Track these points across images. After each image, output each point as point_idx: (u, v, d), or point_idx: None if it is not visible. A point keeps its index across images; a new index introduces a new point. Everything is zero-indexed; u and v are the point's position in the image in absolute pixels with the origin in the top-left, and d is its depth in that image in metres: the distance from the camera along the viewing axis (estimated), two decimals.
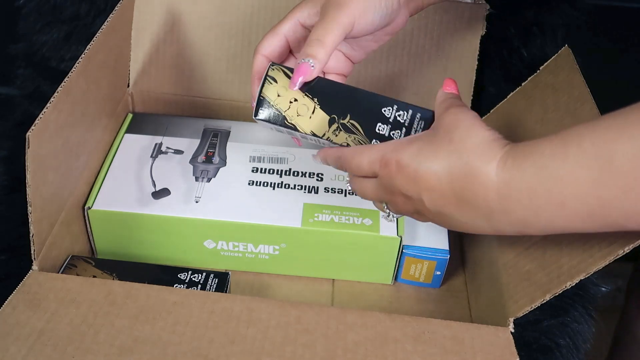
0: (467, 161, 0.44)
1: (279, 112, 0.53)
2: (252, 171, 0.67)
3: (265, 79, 0.53)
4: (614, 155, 0.38)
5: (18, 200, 0.59)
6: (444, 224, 0.48)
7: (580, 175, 0.39)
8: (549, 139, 0.41)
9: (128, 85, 0.75)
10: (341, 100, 0.53)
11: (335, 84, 0.54)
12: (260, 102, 0.53)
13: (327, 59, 0.51)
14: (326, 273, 0.66)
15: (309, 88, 0.53)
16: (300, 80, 0.52)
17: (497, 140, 0.44)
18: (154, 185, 0.65)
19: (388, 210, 0.52)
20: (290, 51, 0.57)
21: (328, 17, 0.51)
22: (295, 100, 0.53)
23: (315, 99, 0.53)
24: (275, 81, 0.53)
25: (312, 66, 0.51)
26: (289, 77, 0.53)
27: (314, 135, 0.53)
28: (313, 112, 0.53)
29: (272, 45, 0.55)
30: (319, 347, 0.48)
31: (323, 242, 0.63)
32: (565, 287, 0.48)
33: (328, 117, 0.52)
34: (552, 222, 0.41)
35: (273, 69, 0.53)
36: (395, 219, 0.56)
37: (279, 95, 0.53)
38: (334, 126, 0.53)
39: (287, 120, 0.53)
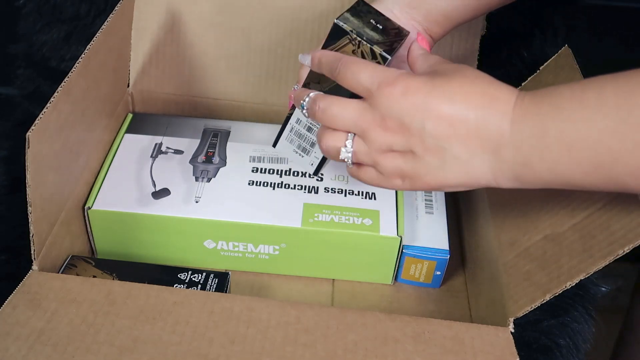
0: (486, 89, 0.43)
1: None
2: (252, 171, 0.67)
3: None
4: (634, 106, 0.37)
5: (18, 200, 0.59)
6: (434, 167, 0.44)
7: (596, 121, 0.38)
8: (570, 85, 0.41)
9: (128, 85, 0.75)
10: None
11: None
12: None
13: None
14: (326, 273, 0.66)
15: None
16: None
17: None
18: (154, 185, 0.65)
19: (350, 145, 0.47)
20: None
21: None
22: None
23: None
24: None
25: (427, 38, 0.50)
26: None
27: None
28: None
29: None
30: (319, 347, 0.48)
31: (323, 242, 0.63)
32: (565, 287, 0.48)
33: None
34: (555, 167, 0.40)
35: None
36: (347, 160, 0.48)
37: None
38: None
39: None
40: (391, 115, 0.44)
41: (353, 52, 0.49)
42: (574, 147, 0.39)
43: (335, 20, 0.49)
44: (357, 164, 0.49)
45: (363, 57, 0.49)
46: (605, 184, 0.40)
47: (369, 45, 0.49)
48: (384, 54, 0.50)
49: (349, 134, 0.47)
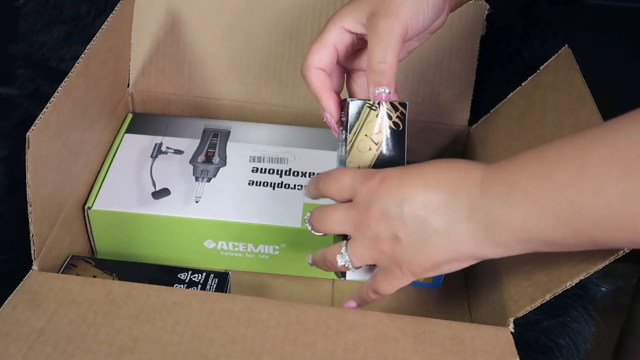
0: (456, 166, 0.46)
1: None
2: (252, 171, 0.67)
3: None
4: (587, 158, 0.39)
5: (18, 200, 0.59)
6: (420, 246, 0.45)
7: (555, 175, 0.40)
8: (533, 148, 0.43)
9: (128, 85, 0.75)
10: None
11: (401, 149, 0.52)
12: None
13: (395, 78, 0.50)
14: (326, 273, 0.66)
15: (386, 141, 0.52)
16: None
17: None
18: (154, 185, 0.65)
19: (344, 252, 0.49)
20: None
21: (382, 32, 0.49)
22: (371, 139, 0.52)
23: (379, 152, 0.52)
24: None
25: (388, 93, 0.50)
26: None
27: (343, 159, 0.52)
28: (367, 152, 0.52)
29: (323, 57, 0.53)
30: (319, 346, 0.48)
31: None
32: (565, 287, 0.48)
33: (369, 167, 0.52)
34: (525, 224, 0.42)
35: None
36: (346, 265, 0.50)
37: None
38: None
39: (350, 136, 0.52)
40: (372, 205, 0.46)
41: (377, 116, 0.51)
42: (539, 202, 0.41)
43: (348, 99, 0.51)
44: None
45: (389, 117, 0.51)
46: (578, 240, 0.41)
47: (390, 104, 0.51)
48: (403, 104, 0.51)
49: (344, 243, 0.49)
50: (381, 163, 0.51)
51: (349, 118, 0.51)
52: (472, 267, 0.66)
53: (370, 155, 0.52)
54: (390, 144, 0.52)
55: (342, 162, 0.52)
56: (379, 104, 0.51)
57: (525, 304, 0.51)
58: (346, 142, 0.51)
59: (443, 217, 0.44)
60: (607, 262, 0.45)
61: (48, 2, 0.76)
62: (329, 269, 0.52)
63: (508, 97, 0.68)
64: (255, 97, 0.76)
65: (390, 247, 0.46)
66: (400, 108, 0.51)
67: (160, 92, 0.76)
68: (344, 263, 0.49)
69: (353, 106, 0.51)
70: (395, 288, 0.49)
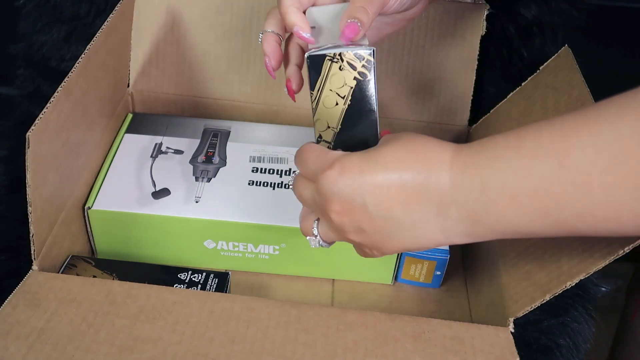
0: (419, 151, 0.42)
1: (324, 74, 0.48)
2: (252, 171, 0.67)
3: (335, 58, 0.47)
4: (570, 149, 0.37)
5: (18, 200, 0.59)
6: (387, 236, 0.44)
7: (534, 168, 0.38)
8: (505, 134, 0.40)
9: (128, 85, 0.75)
10: (358, 127, 0.49)
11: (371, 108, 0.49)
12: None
13: (368, 27, 0.47)
14: (326, 273, 0.66)
15: (353, 94, 0.48)
16: (349, 37, 0.47)
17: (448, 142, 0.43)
18: (154, 185, 0.65)
19: (317, 233, 0.48)
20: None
21: None
22: (336, 93, 0.48)
23: (346, 106, 0.48)
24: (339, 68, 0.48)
25: (360, 28, 0.46)
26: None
27: (315, 119, 0.49)
28: (333, 108, 0.48)
29: None
30: (319, 346, 0.48)
31: None
32: (565, 287, 0.48)
33: (335, 130, 0.49)
34: (502, 218, 0.40)
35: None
36: (319, 244, 0.49)
37: (337, 72, 0.47)
38: (331, 132, 0.49)
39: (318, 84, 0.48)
40: (333, 198, 0.44)
41: (340, 68, 0.47)
42: (517, 197, 0.39)
43: (307, 54, 0.47)
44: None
45: (354, 68, 0.47)
46: (557, 230, 0.39)
47: (350, 51, 0.47)
48: (367, 49, 0.47)
49: (315, 222, 0.48)
50: (350, 118, 0.48)
51: (310, 74, 0.47)
52: (472, 267, 0.66)
53: (337, 111, 0.48)
54: (357, 96, 0.47)
55: (314, 125, 0.50)
56: (340, 55, 0.47)
57: (525, 304, 0.51)
58: (311, 101, 0.48)
59: (410, 213, 0.42)
60: (607, 262, 0.45)
61: (48, 2, 0.76)
62: (304, 233, 0.50)
63: (508, 97, 0.68)
64: (255, 97, 0.76)
65: (356, 237, 0.45)
66: (366, 56, 0.47)
67: (160, 92, 0.76)
68: (317, 244, 0.48)
69: (313, 61, 0.47)
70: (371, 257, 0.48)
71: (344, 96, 0.48)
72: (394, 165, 0.42)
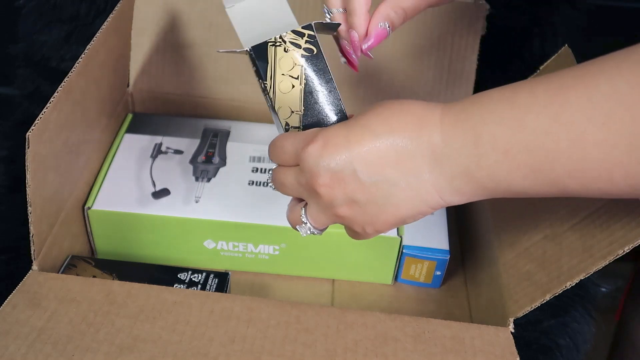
0: (407, 112, 0.41)
1: (271, 64, 0.47)
2: (252, 171, 0.67)
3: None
4: (565, 103, 0.36)
5: (18, 200, 0.59)
6: (381, 204, 0.42)
7: (528, 122, 0.37)
8: (501, 87, 0.39)
9: (128, 85, 0.75)
10: (320, 105, 0.48)
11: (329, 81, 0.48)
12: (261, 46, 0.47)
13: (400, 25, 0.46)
14: (326, 273, 0.66)
15: (307, 73, 0.47)
16: (377, 42, 0.47)
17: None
18: (154, 185, 0.65)
19: (305, 220, 0.46)
20: None
21: None
22: (289, 76, 0.47)
23: (303, 85, 0.47)
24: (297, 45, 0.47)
25: (389, 32, 0.46)
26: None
27: (273, 107, 0.48)
28: (291, 91, 0.47)
29: None
30: (319, 346, 0.48)
31: (323, 242, 0.63)
32: (565, 287, 0.48)
33: (300, 114, 0.47)
34: (494, 173, 0.39)
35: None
36: (310, 232, 0.47)
37: (285, 52, 0.47)
38: (296, 116, 0.48)
39: (268, 73, 0.47)
40: (320, 172, 0.42)
41: (285, 50, 0.46)
42: (509, 151, 0.38)
43: (248, 47, 0.47)
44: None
45: (298, 46, 0.46)
46: (548, 188, 0.38)
47: (289, 30, 0.46)
48: (307, 26, 0.47)
49: (302, 209, 0.46)
50: (310, 96, 0.47)
51: (258, 64, 0.47)
52: (472, 267, 0.66)
53: (296, 93, 0.47)
54: (311, 74, 0.47)
55: (275, 118, 0.48)
56: (281, 37, 0.46)
57: (525, 304, 0.51)
58: (267, 90, 0.47)
59: (403, 171, 0.41)
60: (607, 262, 0.45)
61: (48, 2, 0.76)
62: (293, 226, 0.48)
63: None
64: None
65: (348, 211, 0.43)
66: (306, 32, 0.47)
67: (160, 92, 0.76)
68: (307, 231, 0.46)
69: (257, 50, 0.47)
70: (367, 238, 0.46)
71: (298, 76, 0.47)
72: (383, 129, 0.41)
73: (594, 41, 0.86)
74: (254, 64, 0.47)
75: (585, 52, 0.64)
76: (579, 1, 0.76)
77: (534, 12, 0.75)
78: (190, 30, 0.73)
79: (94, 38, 0.59)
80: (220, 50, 0.48)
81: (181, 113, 0.77)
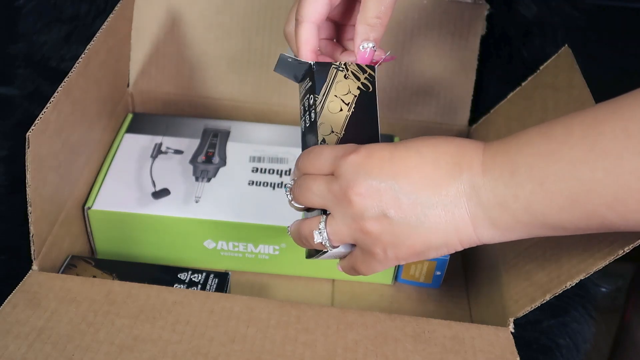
0: (451, 139, 0.43)
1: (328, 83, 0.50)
2: (252, 171, 0.67)
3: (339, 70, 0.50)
4: (600, 135, 0.36)
5: (18, 200, 0.59)
6: (413, 225, 0.41)
7: (563, 152, 0.37)
8: (538, 125, 0.40)
9: (128, 85, 0.75)
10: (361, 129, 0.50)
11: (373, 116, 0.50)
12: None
13: (382, 35, 0.48)
14: (326, 273, 0.66)
15: (357, 101, 0.50)
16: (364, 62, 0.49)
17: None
18: (154, 185, 0.65)
19: (323, 227, 0.44)
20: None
21: None
22: (341, 99, 0.50)
23: (350, 112, 0.50)
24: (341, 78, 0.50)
25: (374, 48, 0.48)
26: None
27: (314, 121, 0.50)
28: (338, 113, 0.49)
29: (318, 8, 0.48)
30: (319, 346, 0.48)
31: None
32: (565, 287, 0.48)
33: (338, 136, 0.49)
34: (530, 205, 0.39)
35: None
36: (323, 241, 0.45)
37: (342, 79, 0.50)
38: (334, 137, 0.50)
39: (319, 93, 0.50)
40: (358, 180, 0.42)
41: (345, 77, 0.49)
42: (545, 182, 0.38)
43: (312, 63, 0.50)
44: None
45: (357, 78, 0.50)
46: (586, 222, 0.38)
47: (356, 65, 0.50)
48: (371, 67, 0.50)
49: (322, 217, 0.45)
50: (353, 125, 0.49)
51: (316, 80, 0.49)
52: (472, 267, 0.66)
53: (342, 116, 0.49)
54: (361, 105, 0.49)
55: (309, 134, 0.50)
56: (345, 64, 0.49)
57: (525, 304, 0.51)
58: (315, 105, 0.49)
59: (442, 195, 0.41)
60: (607, 262, 0.45)
61: (48, 2, 0.76)
62: (304, 245, 0.48)
63: (508, 97, 0.68)
64: (255, 97, 0.76)
65: (376, 226, 0.42)
66: (368, 70, 0.50)
67: (160, 92, 0.76)
68: (321, 241, 0.45)
69: (319, 68, 0.49)
70: (374, 272, 0.45)
71: (348, 103, 0.49)
72: (428, 151, 0.42)
73: (594, 41, 0.86)
74: (311, 79, 0.50)
75: (585, 52, 0.64)
76: (579, 1, 0.76)
77: (534, 12, 0.75)
78: (190, 30, 0.73)
79: (94, 38, 0.59)
80: (284, 55, 0.51)
81: (181, 113, 0.77)
